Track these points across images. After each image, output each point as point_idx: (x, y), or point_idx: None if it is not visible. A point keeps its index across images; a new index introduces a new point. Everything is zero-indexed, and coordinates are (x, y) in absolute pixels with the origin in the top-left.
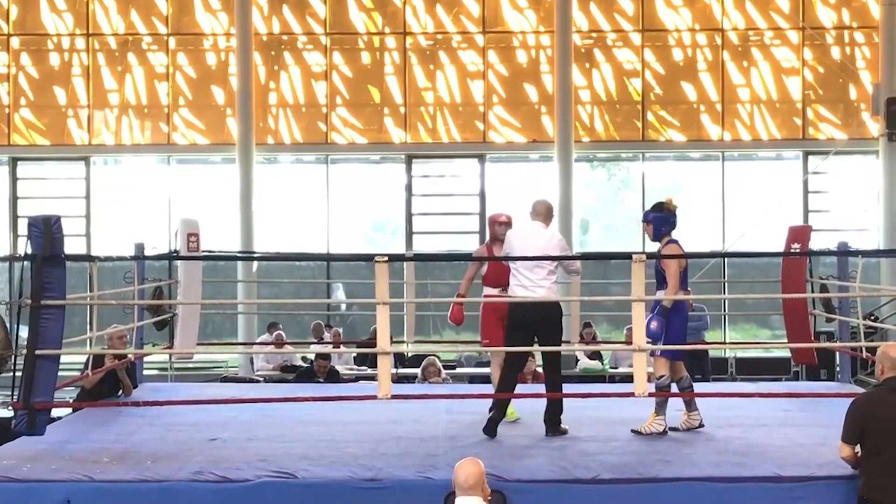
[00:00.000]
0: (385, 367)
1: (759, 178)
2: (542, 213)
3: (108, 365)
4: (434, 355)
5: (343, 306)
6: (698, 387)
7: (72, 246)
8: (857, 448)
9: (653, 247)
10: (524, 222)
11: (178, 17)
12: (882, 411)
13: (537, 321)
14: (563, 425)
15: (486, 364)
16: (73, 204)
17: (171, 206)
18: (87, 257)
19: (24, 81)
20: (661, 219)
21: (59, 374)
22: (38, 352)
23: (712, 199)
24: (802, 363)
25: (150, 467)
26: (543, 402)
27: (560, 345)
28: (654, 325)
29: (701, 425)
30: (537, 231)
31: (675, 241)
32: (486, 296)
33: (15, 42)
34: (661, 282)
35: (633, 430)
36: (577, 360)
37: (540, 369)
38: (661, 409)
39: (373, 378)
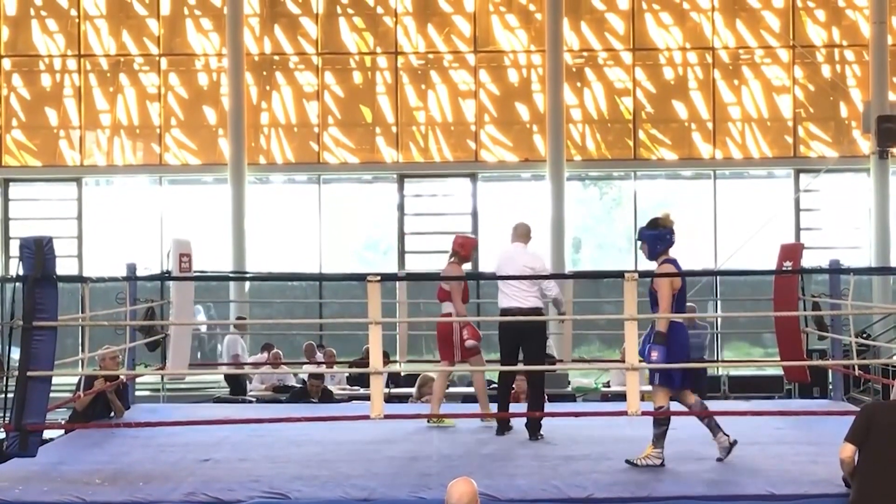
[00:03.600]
0: (378, 386)
1: (750, 197)
2: (524, 234)
3: (98, 388)
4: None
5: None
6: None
7: (64, 267)
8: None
9: (644, 265)
10: (509, 243)
11: (169, 37)
12: (885, 417)
13: (524, 330)
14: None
15: None
16: (64, 225)
17: (163, 227)
18: (79, 278)
19: (16, 102)
20: (655, 236)
21: (51, 395)
22: (29, 373)
23: (704, 217)
24: (795, 381)
25: (142, 488)
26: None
27: (543, 354)
28: (654, 355)
29: (662, 464)
30: (520, 251)
31: (672, 261)
32: (446, 314)
33: (6, 63)
34: (655, 304)
35: (627, 461)
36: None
37: None
38: (658, 441)
39: (366, 398)
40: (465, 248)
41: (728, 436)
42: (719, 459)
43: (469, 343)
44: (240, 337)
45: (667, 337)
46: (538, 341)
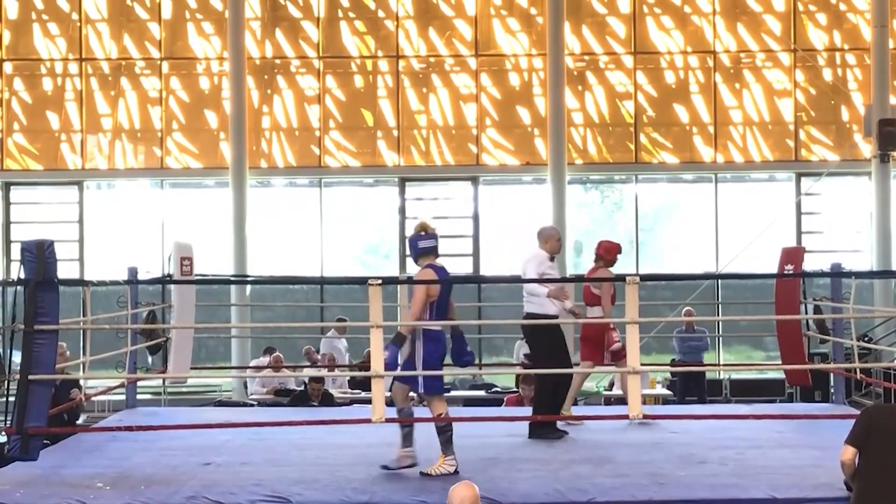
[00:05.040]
0: (379, 390)
1: (751, 200)
2: (539, 237)
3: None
4: None
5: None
6: (694, 408)
7: (65, 270)
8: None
9: (646, 268)
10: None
11: (171, 41)
12: (885, 420)
13: (526, 332)
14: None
15: (480, 387)
16: (66, 228)
17: (165, 230)
18: (81, 282)
19: (17, 106)
20: (409, 243)
21: None
22: (31, 377)
23: (705, 220)
24: (797, 384)
25: (143, 492)
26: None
27: (544, 357)
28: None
29: (456, 472)
30: (528, 256)
31: (436, 267)
32: (593, 317)
33: (8, 67)
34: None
35: (421, 473)
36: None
37: None
38: (448, 448)
39: (367, 401)
40: (609, 253)
41: (414, 456)
42: (385, 467)
43: (616, 346)
44: (336, 339)
45: (405, 339)
46: (536, 344)
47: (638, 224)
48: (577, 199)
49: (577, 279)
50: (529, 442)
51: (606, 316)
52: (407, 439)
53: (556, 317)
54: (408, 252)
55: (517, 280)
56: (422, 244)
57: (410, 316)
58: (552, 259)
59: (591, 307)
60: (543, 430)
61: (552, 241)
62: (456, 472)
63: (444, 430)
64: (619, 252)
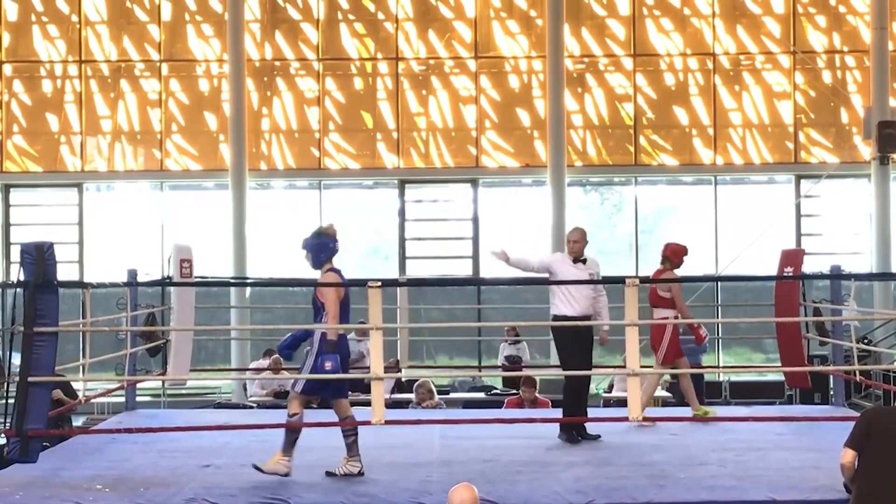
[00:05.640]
0: (379, 392)
1: (751, 202)
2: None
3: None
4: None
5: None
6: (691, 410)
7: (64, 272)
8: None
9: (645, 270)
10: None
11: (170, 43)
12: (885, 422)
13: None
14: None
15: (480, 389)
16: (65, 230)
17: (164, 232)
18: (80, 284)
19: (17, 108)
20: (318, 246)
21: None
22: (30, 379)
23: (705, 222)
24: (796, 386)
25: (143, 494)
26: (544, 427)
27: (564, 358)
28: (328, 365)
29: (361, 473)
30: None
31: (336, 270)
32: (661, 317)
33: (7, 69)
34: (318, 313)
35: (327, 472)
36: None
37: (540, 395)
38: (352, 449)
39: (367, 403)
40: (676, 255)
41: (360, 465)
42: (330, 473)
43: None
44: (357, 342)
45: (336, 344)
46: (557, 346)
47: (637, 226)
48: (577, 201)
49: (577, 281)
50: (530, 444)
51: (684, 316)
52: (352, 448)
53: (573, 318)
54: (331, 252)
55: (517, 282)
56: (334, 247)
57: (331, 318)
58: (580, 260)
59: (655, 309)
60: (570, 432)
61: (565, 242)
62: (360, 473)
63: (350, 434)
64: (686, 254)
